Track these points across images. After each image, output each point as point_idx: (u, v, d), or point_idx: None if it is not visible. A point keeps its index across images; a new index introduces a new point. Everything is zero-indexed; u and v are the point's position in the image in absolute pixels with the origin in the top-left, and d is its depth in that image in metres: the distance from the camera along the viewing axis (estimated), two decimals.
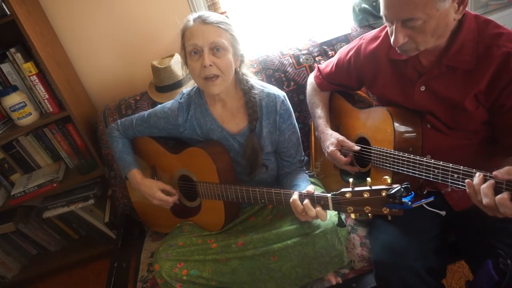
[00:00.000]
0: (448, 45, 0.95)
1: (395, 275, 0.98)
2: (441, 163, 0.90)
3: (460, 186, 0.86)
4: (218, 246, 1.15)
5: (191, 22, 1.09)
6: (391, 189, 0.84)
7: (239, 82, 1.20)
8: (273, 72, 1.61)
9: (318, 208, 0.97)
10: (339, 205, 0.94)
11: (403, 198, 0.83)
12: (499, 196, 0.75)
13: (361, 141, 1.21)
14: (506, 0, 1.48)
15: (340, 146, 1.19)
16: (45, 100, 1.67)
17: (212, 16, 1.09)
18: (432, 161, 0.93)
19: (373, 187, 0.87)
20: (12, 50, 1.61)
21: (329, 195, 0.96)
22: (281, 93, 1.21)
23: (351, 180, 0.94)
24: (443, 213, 0.89)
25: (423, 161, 0.95)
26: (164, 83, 1.56)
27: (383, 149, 1.07)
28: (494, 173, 0.77)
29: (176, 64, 1.55)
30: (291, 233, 1.08)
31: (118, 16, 1.75)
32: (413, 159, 0.98)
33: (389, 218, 0.88)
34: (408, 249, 0.99)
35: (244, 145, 1.22)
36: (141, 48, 1.82)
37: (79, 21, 1.74)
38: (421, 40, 0.91)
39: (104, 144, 1.62)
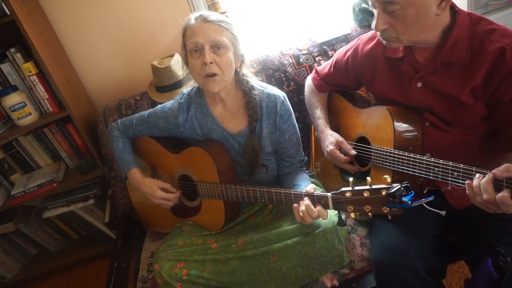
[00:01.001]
0: (442, 42, 0.96)
1: (395, 275, 0.98)
2: (441, 161, 0.91)
3: (460, 184, 0.86)
4: (218, 246, 1.15)
5: (193, 21, 1.09)
6: (391, 188, 0.84)
7: (240, 82, 1.20)
8: (273, 72, 1.61)
9: (319, 207, 0.97)
10: (339, 204, 0.94)
11: (403, 197, 0.83)
12: (499, 195, 0.75)
13: (361, 140, 1.22)
14: (506, 0, 1.48)
15: (339, 146, 1.20)
16: (45, 100, 1.67)
17: (214, 15, 1.10)
18: (432, 159, 0.93)
19: (373, 186, 0.88)
20: (12, 50, 1.61)
21: (329, 194, 0.96)
22: (281, 94, 1.21)
23: (351, 179, 0.94)
24: (443, 213, 0.89)
25: (423, 159, 0.95)
26: (164, 83, 1.56)
27: (383, 148, 1.07)
28: (493, 171, 0.77)
29: (176, 64, 1.56)
30: (291, 233, 1.08)
31: (118, 16, 1.75)
32: (413, 157, 0.98)
33: (389, 217, 0.88)
34: (408, 249, 0.99)
35: (244, 146, 1.22)
36: (141, 48, 1.82)
37: (79, 21, 1.74)
38: (402, 30, 0.93)
39: (104, 144, 1.62)
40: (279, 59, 1.63)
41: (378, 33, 0.99)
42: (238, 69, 1.18)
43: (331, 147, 1.20)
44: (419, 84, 1.03)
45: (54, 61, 1.62)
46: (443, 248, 1.05)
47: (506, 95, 0.91)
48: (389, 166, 1.06)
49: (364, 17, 1.64)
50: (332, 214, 1.07)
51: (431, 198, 0.87)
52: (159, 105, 1.31)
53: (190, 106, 1.25)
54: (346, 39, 1.64)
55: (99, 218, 1.93)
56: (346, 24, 1.70)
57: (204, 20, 1.08)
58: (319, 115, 1.30)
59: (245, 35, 1.86)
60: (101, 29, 1.77)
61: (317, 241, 1.06)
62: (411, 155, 0.99)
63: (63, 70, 1.69)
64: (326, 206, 0.97)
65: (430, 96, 1.03)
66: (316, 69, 1.38)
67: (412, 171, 0.99)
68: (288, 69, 1.61)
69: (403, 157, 1.00)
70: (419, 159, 0.96)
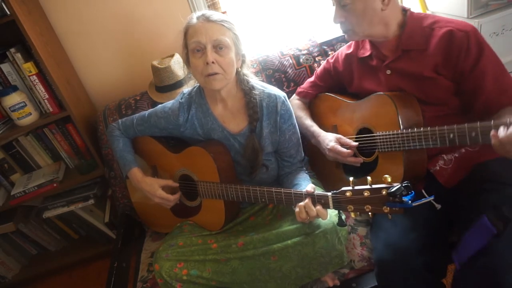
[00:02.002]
0: (401, 34, 1.13)
1: (396, 273, 0.98)
2: (455, 126, 0.95)
3: (481, 142, 0.90)
4: (218, 246, 1.15)
5: (194, 20, 1.09)
6: (391, 188, 0.84)
7: (240, 82, 1.20)
8: (273, 72, 1.61)
9: (319, 207, 0.97)
10: (340, 203, 0.94)
11: (403, 197, 0.83)
12: None
13: (362, 131, 1.22)
14: (506, 0, 1.47)
15: (338, 142, 1.21)
16: (45, 100, 1.67)
17: (216, 15, 1.10)
18: (445, 127, 0.97)
19: (373, 186, 0.88)
20: (12, 50, 1.61)
21: (329, 193, 0.96)
22: (281, 94, 1.21)
23: (351, 179, 0.94)
24: (438, 206, 0.92)
25: (434, 130, 1.00)
26: (164, 83, 1.56)
27: (389, 132, 1.10)
28: None
29: (176, 64, 1.56)
30: (291, 233, 1.08)
31: (118, 16, 1.75)
32: (424, 131, 1.02)
33: (390, 217, 0.88)
34: (409, 247, 1.00)
35: (245, 145, 1.22)
36: (141, 48, 1.82)
37: (79, 21, 1.74)
38: (355, 22, 1.12)
39: (104, 144, 1.62)
40: (279, 59, 1.63)
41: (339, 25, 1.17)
42: (239, 69, 1.18)
43: (331, 143, 1.20)
44: (388, 72, 1.18)
45: (54, 61, 1.62)
46: (443, 247, 1.05)
47: (466, 66, 1.04)
48: (399, 147, 1.08)
49: None
50: (332, 215, 1.07)
51: (432, 198, 0.87)
52: (160, 105, 1.31)
53: (191, 106, 1.25)
54: (345, 39, 1.63)
55: (99, 218, 1.93)
56: None
57: (206, 19, 1.08)
58: (310, 124, 1.35)
59: (245, 35, 1.86)
60: (101, 29, 1.77)
61: (317, 241, 1.05)
62: (421, 129, 1.03)
63: (63, 70, 1.69)
64: (326, 206, 0.97)
65: (400, 80, 1.16)
66: (298, 88, 1.50)
67: (426, 144, 1.02)
68: (288, 69, 1.61)
69: (413, 134, 1.04)
70: (430, 130, 1.00)
